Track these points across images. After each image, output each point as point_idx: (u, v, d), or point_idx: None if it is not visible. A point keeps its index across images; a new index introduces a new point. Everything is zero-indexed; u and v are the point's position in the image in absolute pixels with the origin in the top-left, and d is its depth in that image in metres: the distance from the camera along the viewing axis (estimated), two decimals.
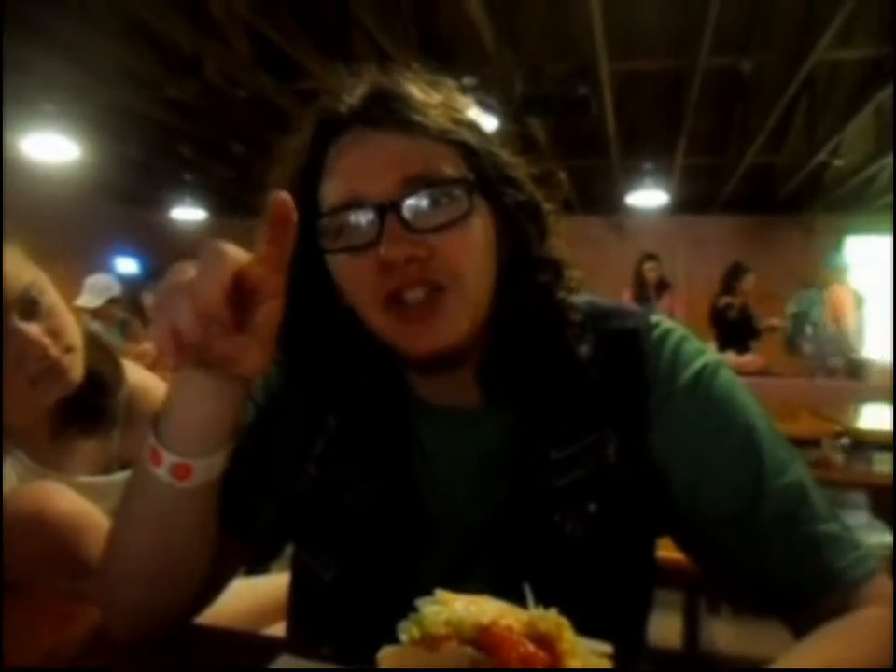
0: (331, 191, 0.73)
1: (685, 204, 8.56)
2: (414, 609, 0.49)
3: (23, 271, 1.01)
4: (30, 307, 1.00)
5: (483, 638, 0.46)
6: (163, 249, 9.88)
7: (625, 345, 0.77)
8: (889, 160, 6.17)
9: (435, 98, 0.75)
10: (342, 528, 0.78)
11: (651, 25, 4.59)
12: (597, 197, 8.34)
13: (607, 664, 0.48)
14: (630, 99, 5.66)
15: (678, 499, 0.74)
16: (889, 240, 6.76)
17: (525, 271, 0.76)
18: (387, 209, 0.68)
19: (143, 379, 1.20)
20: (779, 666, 0.59)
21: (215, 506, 0.73)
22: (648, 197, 7.49)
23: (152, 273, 8.36)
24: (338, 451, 0.80)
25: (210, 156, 7.21)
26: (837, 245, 8.68)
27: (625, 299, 5.47)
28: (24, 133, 5.57)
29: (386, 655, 0.49)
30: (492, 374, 0.77)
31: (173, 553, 0.72)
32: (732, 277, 5.94)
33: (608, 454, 0.74)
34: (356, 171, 0.72)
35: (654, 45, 4.82)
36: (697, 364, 0.75)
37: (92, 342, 1.14)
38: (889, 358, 5.39)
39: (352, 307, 0.75)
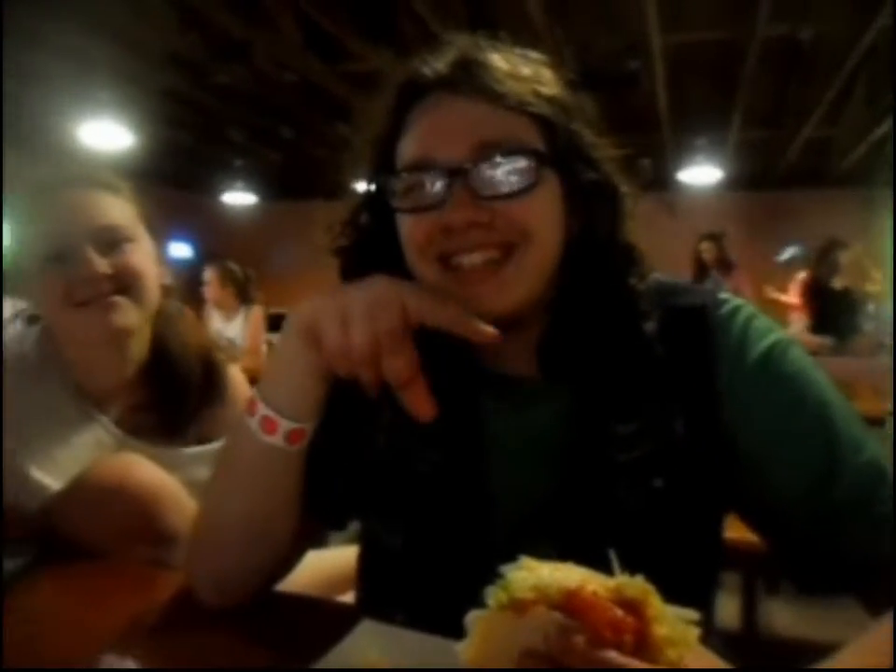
0: (406, 152, 0.75)
1: (740, 181, 8.35)
2: (499, 575, 0.50)
3: (114, 213, 1.10)
4: (106, 244, 1.08)
5: (570, 604, 0.47)
6: (215, 234, 10.09)
7: (693, 321, 0.77)
8: None
9: (521, 70, 0.75)
10: (409, 496, 0.80)
11: None
12: (647, 173, 8.19)
13: (694, 631, 0.48)
14: (682, 73, 5.50)
15: (747, 475, 0.73)
16: None
17: (593, 252, 0.76)
18: (457, 173, 0.70)
19: (227, 364, 1.26)
20: (853, 650, 0.57)
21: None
22: (701, 173, 7.33)
23: (206, 257, 8.53)
24: (404, 420, 0.80)
25: (260, 140, 7.28)
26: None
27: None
28: (81, 121, 5.71)
29: (475, 619, 0.50)
30: (551, 347, 0.78)
31: (273, 520, 0.77)
32: (827, 252, 5.65)
33: (674, 429, 0.74)
34: (431, 133, 0.74)
35: (708, 15, 4.67)
36: (768, 341, 0.75)
37: (179, 321, 1.20)
38: None
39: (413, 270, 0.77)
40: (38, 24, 3.72)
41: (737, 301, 0.79)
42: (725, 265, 5.90)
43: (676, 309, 0.77)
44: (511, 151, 0.71)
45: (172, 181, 9.03)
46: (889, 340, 5.38)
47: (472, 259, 0.71)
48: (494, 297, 0.72)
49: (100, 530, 0.93)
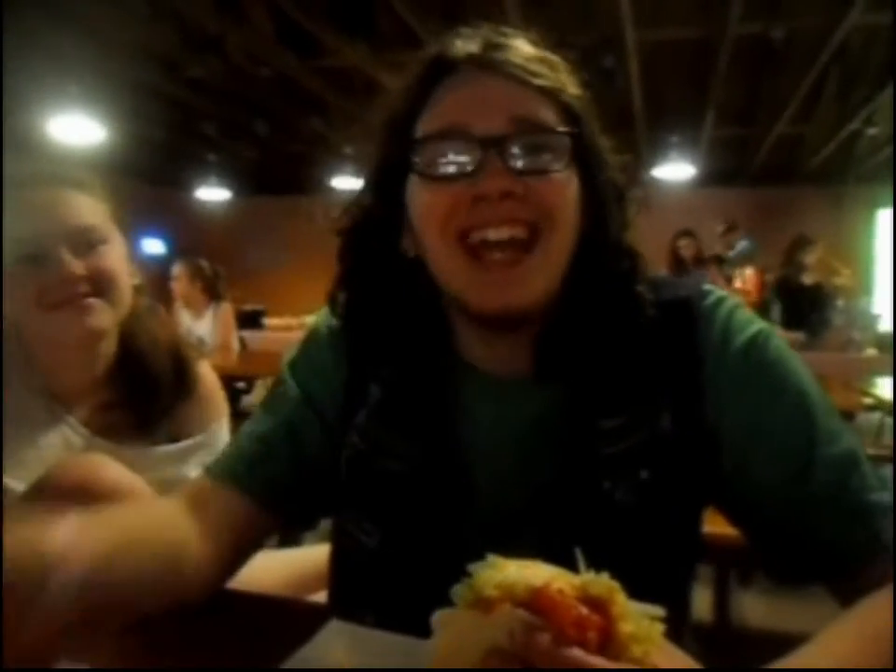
0: (434, 120, 0.73)
1: (713, 177, 8.43)
2: (467, 573, 0.49)
3: (88, 214, 1.09)
4: (80, 246, 1.06)
5: (535, 602, 0.46)
6: (189, 229, 10.00)
7: (678, 314, 0.77)
8: None
9: (548, 58, 0.75)
10: (385, 495, 0.79)
11: None
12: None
13: (659, 627, 0.48)
14: (656, 70, 5.55)
15: (728, 464, 0.73)
16: None
17: (602, 254, 0.76)
18: (492, 143, 0.68)
19: (197, 360, 1.24)
20: (821, 641, 0.58)
21: None
22: (674, 170, 7.39)
23: (178, 253, 8.46)
24: (380, 419, 0.81)
25: (233, 135, 7.23)
26: (868, 218, 8.55)
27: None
28: (51, 116, 5.62)
29: (441, 618, 0.50)
30: (551, 345, 0.77)
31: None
32: (795, 249, 5.70)
33: (661, 422, 0.74)
34: (464, 104, 0.72)
35: (681, 14, 4.72)
36: (750, 331, 0.75)
37: (149, 318, 1.19)
38: None
39: (420, 252, 0.76)
40: (5, 18, 3.64)
41: (720, 292, 0.79)
42: (701, 261, 5.98)
43: (662, 303, 0.77)
44: (545, 129, 0.71)
45: (145, 176, 8.93)
46: (858, 335, 5.48)
47: (500, 234, 0.70)
48: (518, 287, 0.70)
49: None
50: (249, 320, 6.87)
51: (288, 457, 0.83)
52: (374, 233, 0.79)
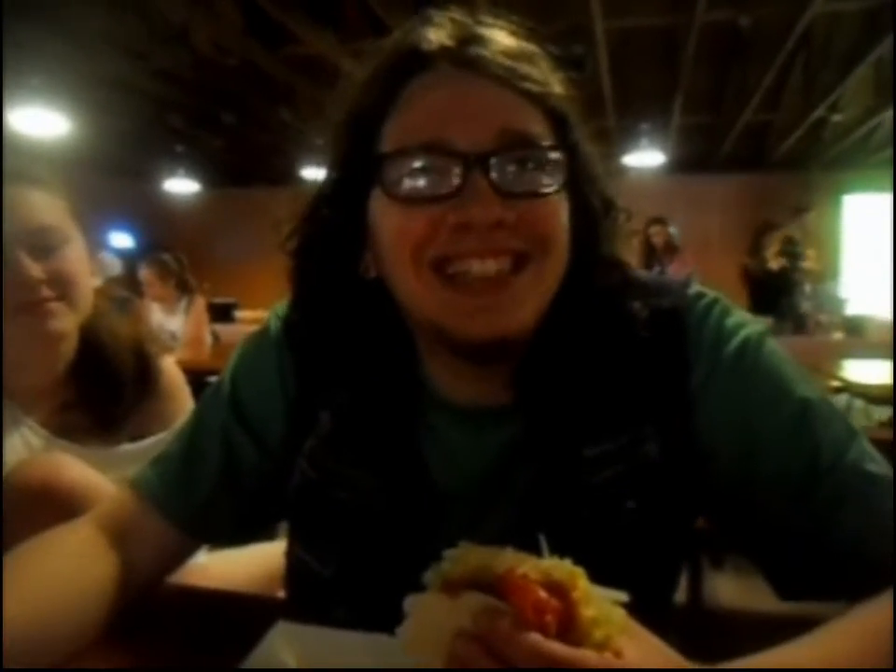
0: (406, 130, 0.63)
1: (682, 164, 8.50)
2: (438, 559, 0.51)
3: (47, 213, 1.06)
4: (40, 248, 1.03)
5: (499, 586, 0.48)
6: (158, 222, 9.87)
7: (666, 324, 0.70)
8: (888, 114, 6.11)
9: (530, 53, 0.67)
10: (341, 527, 0.74)
11: None
12: None
13: (620, 611, 0.48)
14: (625, 58, 5.57)
15: (724, 484, 0.67)
16: (887, 197, 6.74)
17: (592, 269, 0.69)
18: (477, 161, 0.60)
19: (160, 356, 1.22)
20: (820, 637, 0.55)
21: None
22: (644, 157, 7.42)
23: (147, 246, 8.34)
24: (335, 448, 0.75)
25: (201, 126, 7.13)
26: (835, 203, 8.66)
27: (634, 266, 5.31)
28: (12, 108, 5.50)
29: (411, 602, 0.51)
30: (534, 372, 0.69)
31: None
32: (760, 235, 5.74)
33: (648, 446, 0.68)
34: (443, 112, 0.62)
35: (649, 1, 4.73)
36: (741, 336, 0.68)
37: (110, 315, 1.16)
38: (888, 315, 5.40)
39: (385, 276, 0.67)
40: None
41: (710, 295, 0.72)
42: (670, 249, 6.02)
43: (648, 314, 0.70)
44: (536, 144, 0.62)
45: (112, 169, 8.79)
46: (825, 318, 5.57)
47: (485, 268, 0.61)
48: (507, 312, 0.62)
49: (26, 534, 0.90)
50: (221, 313, 6.81)
51: (218, 480, 0.78)
52: (330, 254, 0.70)
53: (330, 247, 0.70)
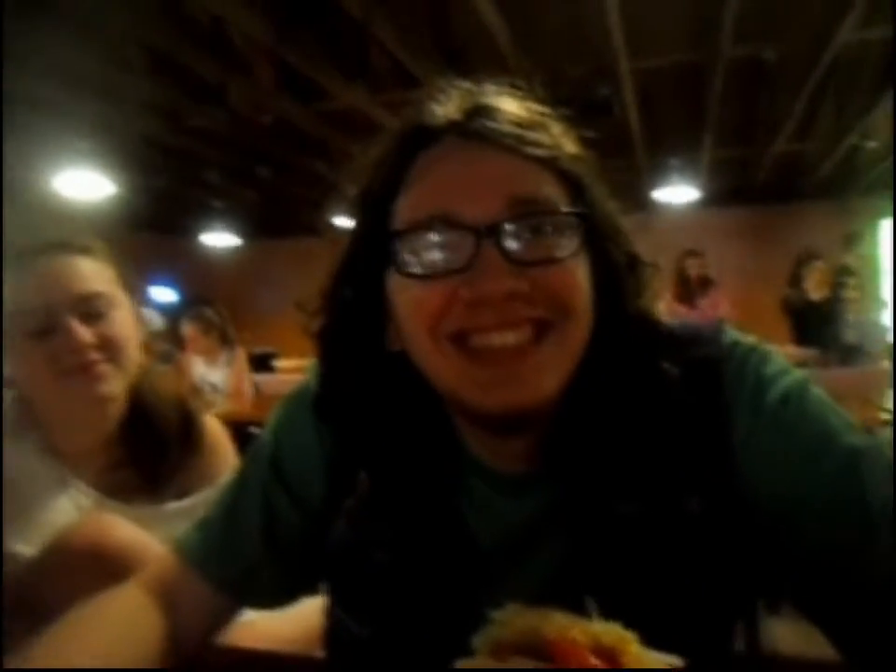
0: (416, 205, 0.63)
1: (716, 198, 8.44)
2: (488, 620, 0.51)
3: (95, 281, 1.10)
4: (90, 314, 1.07)
5: (549, 651, 0.47)
6: (197, 275, 10.09)
7: (701, 376, 0.67)
8: None
9: (540, 120, 0.66)
10: (378, 586, 0.73)
11: (670, 19, 4.55)
12: (622, 195, 8.25)
13: None
14: (652, 96, 5.60)
15: (771, 542, 0.64)
16: None
17: (619, 329, 0.67)
18: (487, 233, 0.59)
19: (202, 412, 1.24)
20: None
21: None
22: (676, 193, 7.41)
23: (188, 300, 8.52)
24: (371, 508, 0.75)
25: (237, 181, 7.32)
26: (872, 230, 8.51)
27: (668, 299, 5.30)
28: (57, 172, 5.71)
29: (461, 667, 0.50)
30: (563, 442, 0.68)
31: None
32: (801, 265, 5.64)
33: (687, 504, 0.66)
34: (451, 185, 0.62)
35: (674, 39, 4.77)
36: (783, 384, 0.66)
37: (155, 374, 1.19)
38: None
39: (406, 349, 0.67)
40: (13, 79, 3.73)
41: (747, 343, 0.70)
42: (706, 282, 5.94)
43: (682, 367, 0.67)
44: (548, 210, 0.62)
45: (151, 226, 9.05)
46: (871, 348, 5.42)
47: (504, 340, 0.60)
48: (528, 382, 0.60)
49: (78, 595, 0.91)
50: (260, 363, 6.88)
51: (260, 542, 0.78)
52: (354, 332, 0.70)
53: (354, 326, 0.70)
